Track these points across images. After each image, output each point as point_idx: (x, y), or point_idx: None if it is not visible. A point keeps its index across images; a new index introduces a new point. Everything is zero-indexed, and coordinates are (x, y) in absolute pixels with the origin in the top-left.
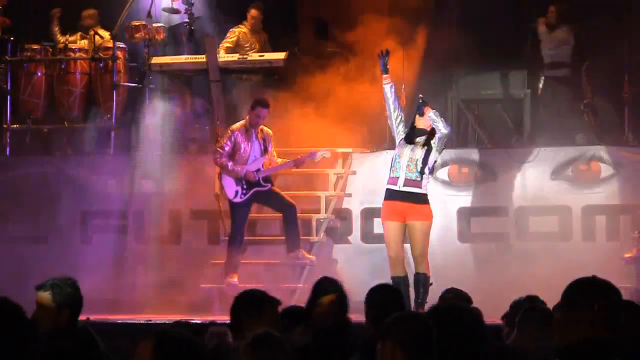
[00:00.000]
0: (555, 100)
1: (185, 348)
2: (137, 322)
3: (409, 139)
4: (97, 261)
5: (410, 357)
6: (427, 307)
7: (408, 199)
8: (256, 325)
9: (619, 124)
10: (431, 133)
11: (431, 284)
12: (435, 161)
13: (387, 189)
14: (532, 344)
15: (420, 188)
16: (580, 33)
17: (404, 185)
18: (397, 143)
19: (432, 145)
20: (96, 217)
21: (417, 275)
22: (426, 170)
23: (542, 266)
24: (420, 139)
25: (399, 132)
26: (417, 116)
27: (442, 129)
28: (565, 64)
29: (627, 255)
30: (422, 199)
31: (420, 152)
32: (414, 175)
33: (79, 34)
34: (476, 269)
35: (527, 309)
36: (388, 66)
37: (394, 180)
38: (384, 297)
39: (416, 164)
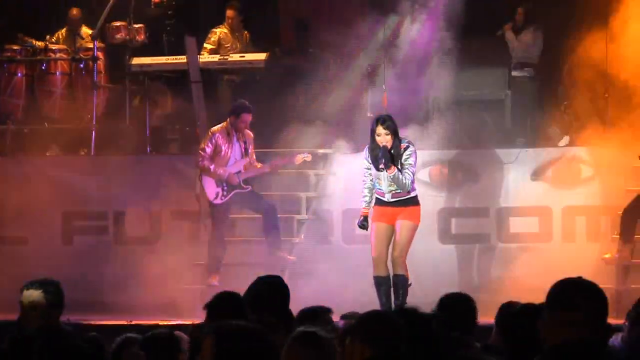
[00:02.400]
0: (543, 101)
1: (247, 342)
2: (118, 324)
3: (378, 166)
4: (78, 262)
5: (378, 356)
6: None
7: (398, 204)
8: None
9: (599, 125)
10: (396, 154)
11: (410, 284)
12: (414, 173)
13: (377, 198)
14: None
15: (410, 194)
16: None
17: (392, 198)
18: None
19: (404, 164)
20: (77, 218)
21: (395, 276)
22: (409, 188)
23: (522, 267)
24: (391, 168)
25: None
26: (376, 137)
27: (401, 185)
28: (533, 65)
29: (606, 256)
30: (413, 201)
31: (394, 174)
32: (400, 191)
33: (64, 30)
34: (457, 269)
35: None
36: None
37: (381, 193)
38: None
39: (397, 183)
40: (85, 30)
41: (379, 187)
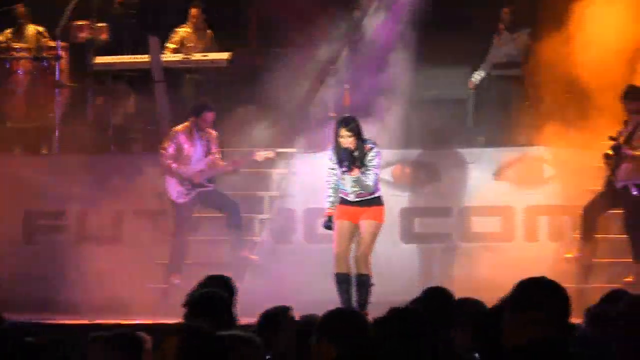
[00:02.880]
0: (503, 100)
1: (209, 343)
2: (79, 323)
3: (342, 165)
4: (39, 261)
5: (345, 355)
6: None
7: (361, 204)
8: None
9: (561, 124)
10: (360, 156)
11: (373, 284)
12: (378, 174)
13: (341, 197)
14: (471, 341)
15: (374, 194)
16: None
17: (356, 198)
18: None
19: (368, 165)
20: (39, 216)
21: (359, 276)
22: (372, 189)
23: (485, 266)
24: (352, 166)
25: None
26: (340, 139)
27: (365, 186)
28: (518, 64)
29: (568, 256)
30: (376, 201)
31: (358, 176)
32: (363, 192)
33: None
34: (419, 269)
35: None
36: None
37: (345, 193)
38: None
39: (360, 185)
40: (32, 28)
41: (343, 187)
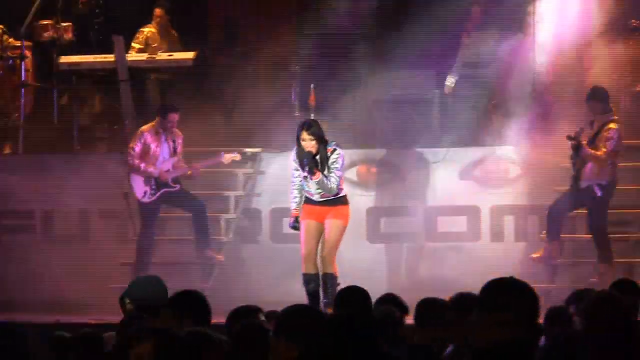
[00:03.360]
0: (470, 100)
1: (186, 348)
2: (45, 322)
3: (303, 169)
4: (5, 261)
5: (305, 353)
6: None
7: (326, 204)
8: None
9: (526, 124)
10: (323, 158)
11: (339, 284)
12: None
13: (306, 197)
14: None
15: (339, 195)
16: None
17: (320, 198)
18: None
19: (330, 167)
20: (4, 216)
21: (324, 275)
22: (335, 192)
23: (451, 266)
24: (316, 174)
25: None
26: (302, 142)
27: (328, 189)
28: (486, 64)
29: (534, 256)
30: (341, 200)
31: (320, 179)
32: (328, 192)
33: None
34: (386, 269)
35: (419, 305)
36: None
37: (310, 194)
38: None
39: (323, 188)
40: None
41: (307, 188)
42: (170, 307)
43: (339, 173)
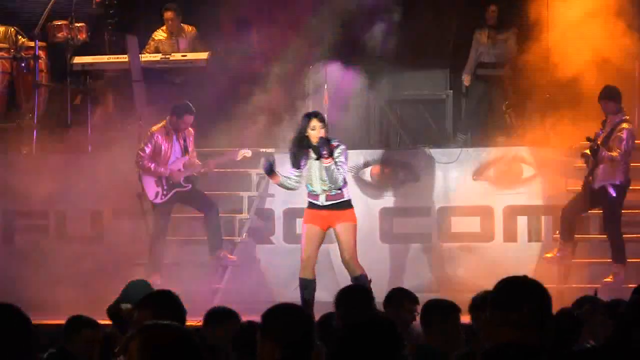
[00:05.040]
0: (484, 100)
1: (176, 341)
2: (58, 323)
3: (305, 160)
4: (18, 261)
5: (288, 354)
6: None
7: (332, 208)
8: None
9: (540, 125)
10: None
11: (370, 280)
12: (345, 171)
13: (310, 201)
14: (441, 338)
15: (344, 197)
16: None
17: (326, 201)
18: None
19: (336, 160)
20: (18, 216)
21: (355, 279)
22: (341, 183)
23: (464, 267)
24: (324, 152)
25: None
26: (310, 132)
27: (334, 179)
28: (502, 64)
29: (548, 256)
30: (345, 204)
31: (325, 171)
32: (334, 192)
33: None
34: (398, 269)
35: (424, 307)
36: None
37: (315, 196)
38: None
39: (328, 182)
40: (3, 28)
41: (311, 188)
42: (146, 307)
43: (344, 167)
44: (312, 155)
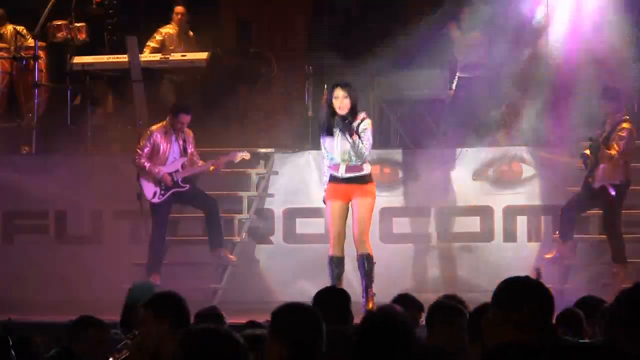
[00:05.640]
0: (484, 100)
1: (214, 343)
2: (58, 322)
3: (331, 130)
4: (19, 261)
5: (295, 353)
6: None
7: (351, 182)
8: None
9: (539, 125)
10: (353, 118)
11: (375, 263)
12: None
13: (331, 174)
14: (443, 340)
15: (363, 171)
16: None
17: (345, 172)
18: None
19: (360, 133)
20: (18, 217)
21: (361, 256)
22: (366, 157)
23: (463, 267)
24: (346, 129)
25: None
26: (334, 101)
27: (359, 153)
28: (480, 65)
29: (547, 256)
30: (366, 179)
31: (349, 143)
32: (353, 162)
33: None
34: (398, 269)
35: (431, 306)
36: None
37: (335, 167)
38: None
39: (349, 153)
40: (11, 28)
41: (332, 157)
42: (151, 308)
43: (369, 140)
44: (337, 125)
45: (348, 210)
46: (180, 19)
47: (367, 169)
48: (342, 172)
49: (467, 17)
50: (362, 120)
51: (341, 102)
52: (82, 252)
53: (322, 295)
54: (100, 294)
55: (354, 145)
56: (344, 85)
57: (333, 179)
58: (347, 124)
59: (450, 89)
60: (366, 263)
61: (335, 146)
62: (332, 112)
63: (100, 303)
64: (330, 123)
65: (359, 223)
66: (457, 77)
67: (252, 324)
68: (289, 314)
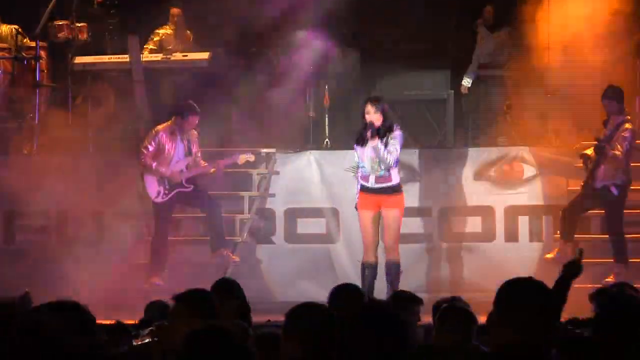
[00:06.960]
0: (485, 100)
1: (217, 342)
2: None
3: (362, 140)
4: (20, 261)
5: (308, 352)
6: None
7: (381, 192)
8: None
9: (541, 125)
10: (384, 129)
11: (401, 271)
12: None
13: (362, 184)
14: (451, 342)
15: (392, 181)
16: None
17: (375, 183)
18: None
19: (389, 142)
20: (19, 217)
21: (388, 262)
22: (390, 164)
23: (465, 267)
24: (374, 139)
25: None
26: (366, 115)
27: (383, 159)
28: (501, 65)
29: (548, 256)
30: (395, 189)
31: (372, 149)
32: (382, 173)
33: None
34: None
35: (444, 308)
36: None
37: (365, 178)
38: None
39: (379, 163)
40: (6, 28)
41: (362, 167)
42: (183, 302)
43: (397, 148)
44: (368, 136)
45: (379, 218)
46: (177, 20)
47: (395, 178)
48: (372, 183)
49: (490, 16)
50: (392, 130)
51: (372, 116)
52: (83, 252)
53: (336, 292)
54: (102, 294)
55: (375, 148)
56: (373, 101)
57: (364, 189)
58: (373, 132)
59: (463, 86)
60: (393, 270)
61: (365, 155)
62: (366, 124)
63: (101, 304)
64: (364, 135)
65: (388, 231)
66: (475, 74)
67: (268, 324)
68: (303, 314)
